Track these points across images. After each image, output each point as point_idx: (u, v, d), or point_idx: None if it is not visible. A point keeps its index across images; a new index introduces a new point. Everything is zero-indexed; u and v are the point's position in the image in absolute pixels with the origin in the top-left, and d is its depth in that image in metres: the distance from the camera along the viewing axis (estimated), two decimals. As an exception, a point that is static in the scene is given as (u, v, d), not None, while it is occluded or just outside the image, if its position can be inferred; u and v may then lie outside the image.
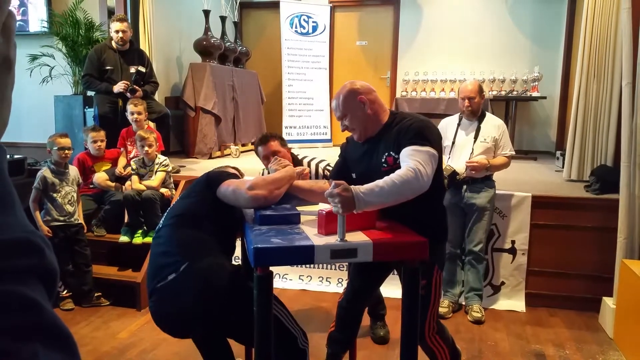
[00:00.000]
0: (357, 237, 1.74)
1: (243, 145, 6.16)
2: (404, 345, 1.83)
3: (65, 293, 3.48)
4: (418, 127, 1.95)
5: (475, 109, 3.33)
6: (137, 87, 4.29)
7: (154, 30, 5.15)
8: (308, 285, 3.88)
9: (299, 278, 3.93)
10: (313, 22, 6.76)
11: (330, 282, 3.88)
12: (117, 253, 3.82)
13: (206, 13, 5.70)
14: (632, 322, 2.85)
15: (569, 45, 6.29)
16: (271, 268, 1.68)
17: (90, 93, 4.71)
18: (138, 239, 3.65)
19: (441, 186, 2.14)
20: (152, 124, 4.40)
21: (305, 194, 2.16)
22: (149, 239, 3.65)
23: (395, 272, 2.65)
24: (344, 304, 2.32)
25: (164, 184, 3.79)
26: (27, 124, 5.21)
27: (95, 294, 3.54)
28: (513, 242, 3.62)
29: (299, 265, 3.87)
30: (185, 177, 4.15)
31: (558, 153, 5.11)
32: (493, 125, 3.38)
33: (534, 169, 5.10)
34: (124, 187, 3.86)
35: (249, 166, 4.09)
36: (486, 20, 6.59)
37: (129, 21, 4.61)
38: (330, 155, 2.94)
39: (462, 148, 3.36)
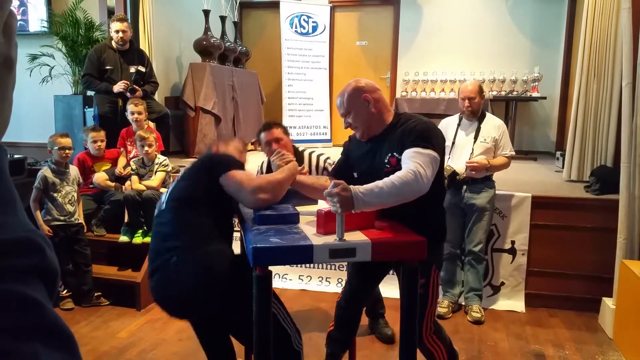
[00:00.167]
0: (355, 237, 1.74)
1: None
2: (403, 345, 1.83)
3: (65, 293, 3.49)
4: (422, 129, 1.95)
5: (475, 109, 3.33)
6: (137, 87, 4.29)
7: (154, 30, 5.15)
8: (307, 285, 3.89)
9: (299, 278, 3.93)
10: (313, 22, 6.76)
11: (329, 282, 3.88)
12: (117, 253, 3.82)
13: (206, 13, 5.69)
14: (632, 322, 2.85)
15: (569, 45, 6.29)
16: (270, 268, 1.68)
17: (90, 93, 4.71)
18: (138, 239, 3.65)
19: (442, 187, 2.14)
20: (152, 124, 4.40)
21: (307, 190, 2.15)
22: (149, 239, 3.65)
23: (394, 272, 2.65)
24: (343, 304, 2.32)
25: (164, 184, 3.79)
26: (27, 124, 5.21)
27: (95, 294, 3.54)
28: (513, 242, 3.62)
29: (299, 265, 3.87)
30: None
31: (558, 153, 5.11)
32: (493, 125, 3.38)
33: (534, 169, 5.10)
34: (123, 187, 3.86)
35: (249, 166, 4.07)
36: (486, 21, 6.59)
37: (129, 21, 4.61)
38: (331, 154, 2.95)
39: (462, 148, 3.36)
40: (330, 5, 6.98)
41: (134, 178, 3.72)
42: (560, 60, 6.41)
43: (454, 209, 3.31)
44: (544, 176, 4.58)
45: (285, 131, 2.79)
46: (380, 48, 7.11)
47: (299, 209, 2.05)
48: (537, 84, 6.15)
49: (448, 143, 3.36)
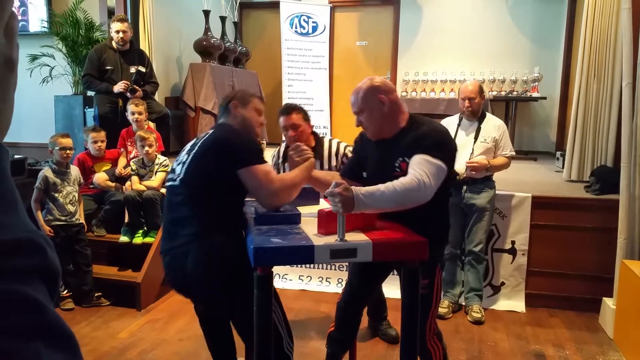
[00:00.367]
0: (356, 237, 1.75)
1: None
2: (404, 346, 1.83)
3: (66, 293, 3.49)
4: (435, 137, 1.92)
5: (475, 110, 3.33)
6: (137, 87, 4.29)
7: (154, 30, 5.15)
8: (308, 286, 3.89)
9: (299, 278, 3.93)
10: (313, 22, 6.76)
11: (330, 283, 3.88)
12: (117, 253, 3.82)
13: (206, 13, 5.69)
14: (632, 322, 2.84)
15: (569, 45, 6.29)
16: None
17: (90, 93, 4.71)
18: (138, 239, 3.65)
19: (447, 192, 2.12)
20: (152, 124, 4.40)
21: (320, 186, 2.14)
22: (149, 239, 3.66)
23: (396, 273, 2.65)
24: (342, 305, 2.32)
25: (164, 184, 3.79)
26: (27, 124, 5.20)
27: (96, 294, 3.54)
28: (513, 242, 3.62)
29: (299, 265, 3.87)
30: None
31: (558, 153, 5.11)
32: (493, 125, 3.38)
33: (534, 169, 5.10)
34: (124, 187, 3.87)
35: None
36: (486, 21, 6.59)
37: (129, 21, 4.61)
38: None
39: (462, 148, 3.35)
40: (330, 5, 6.98)
41: (134, 178, 3.72)
42: (560, 61, 6.41)
43: (454, 209, 3.30)
44: (544, 176, 4.58)
45: (305, 117, 2.72)
46: (380, 48, 7.11)
47: (300, 209, 2.05)
48: (537, 84, 6.15)
49: (448, 143, 3.36)
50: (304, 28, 6.71)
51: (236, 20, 6.93)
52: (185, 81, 5.41)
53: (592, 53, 3.93)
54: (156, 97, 4.78)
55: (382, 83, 2.05)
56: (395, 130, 2.02)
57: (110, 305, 3.54)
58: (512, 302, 3.59)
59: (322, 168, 2.77)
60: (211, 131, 2.11)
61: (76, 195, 3.59)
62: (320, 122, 6.77)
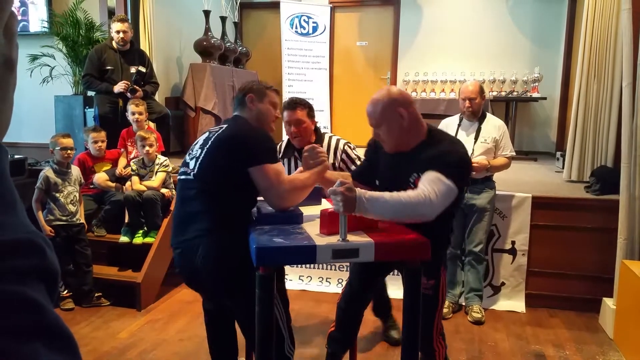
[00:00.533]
0: (358, 237, 1.74)
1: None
2: (405, 346, 1.82)
3: (66, 293, 3.49)
4: (454, 158, 1.85)
5: (476, 110, 3.33)
6: (137, 87, 4.29)
7: (154, 30, 5.15)
8: (308, 286, 3.88)
9: (299, 278, 3.93)
10: (313, 22, 6.76)
11: (330, 283, 3.88)
12: (118, 253, 3.82)
13: (206, 13, 5.70)
14: (633, 322, 2.84)
15: (569, 45, 6.29)
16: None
17: (90, 93, 4.71)
18: (138, 239, 3.65)
19: (453, 210, 2.04)
20: (152, 125, 4.40)
21: (330, 187, 2.13)
22: (149, 239, 3.66)
23: (397, 273, 2.65)
24: (343, 305, 2.32)
25: (164, 184, 3.79)
26: (27, 124, 5.21)
27: (96, 294, 3.54)
28: (513, 242, 3.62)
29: (299, 265, 3.87)
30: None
31: (558, 154, 5.11)
32: (493, 126, 3.37)
33: (534, 169, 5.10)
34: (124, 187, 3.86)
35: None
36: (486, 21, 6.59)
37: (130, 21, 4.61)
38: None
39: (462, 148, 3.35)
40: (331, 5, 6.98)
41: (135, 179, 3.72)
42: (560, 61, 6.41)
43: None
44: (544, 176, 4.58)
45: (310, 113, 2.65)
46: (381, 48, 7.11)
47: (302, 209, 2.05)
48: (537, 84, 6.15)
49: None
50: (304, 28, 6.71)
51: (236, 20, 6.94)
52: (186, 81, 5.41)
53: (592, 53, 3.93)
54: (156, 97, 4.78)
55: (400, 95, 1.96)
56: (413, 144, 1.96)
57: (111, 305, 3.54)
58: (512, 302, 3.59)
59: None
60: (225, 125, 2.09)
61: (77, 195, 3.59)
62: (320, 122, 6.76)
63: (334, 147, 2.81)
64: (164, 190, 3.75)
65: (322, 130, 2.97)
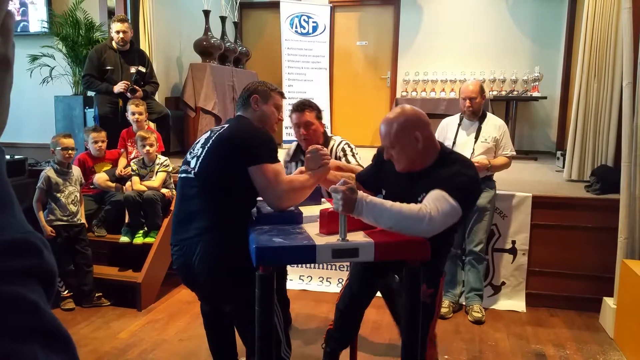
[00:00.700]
0: (358, 237, 1.74)
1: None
2: (405, 346, 1.82)
3: (66, 293, 3.49)
4: (463, 180, 1.83)
5: (476, 109, 3.33)
6: (137, 87, 4.29)
7: (154, 30, 5.15)
8: (308, 286, 3.88)
9: (299, 278, 3.93)
10: (313, 22, 6.76)
11: (330, 283, 3.88)
12: (118, 253, 3.82)
13: (206, 13, 5.69)
14: (633, 322, 2.84)
15: (569, 45, 6.29)
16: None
17: (90, 93, 4.71)
18: (139, 240, 3.65)
19: (453, 231, 2.01)
20: (152, 125, 4.40)
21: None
22: (149, 239, 3.66)
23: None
24: (342, 308, 2.30)
25: (164, 184, 3.79)
26: (27, 125, 5.21)
27: (96, 294, 3.54)
28: (513, 242, 3.61)
29: (299, 265, 3.87)
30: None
31: (558, 153, 5.10)
32: (494, 125, 3.37)
33: (534, 169, 5.10)
34: (124, 187, 3.86)
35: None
36: (486, 21, 6.59)
37: (129, 21, 4.61)
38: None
39: (462, 148, 3.35)
40: (330, 5, 6.98)
41: (135, 179, 3.72)
42: (560, 60, 6.41)
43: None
44: (545, 176, 4.58)
45: (318, 115, 2.64)
46: (381, 48, 7.10)
47: (302, 209, 2.05)
48: (537, 83, 6.15)
49: (449, 143, 3.36)
50: (304, 28, 6.71)
51: (236, 20, 6.93)
52: (186, 81, 5.41)
53: (592, 53, 3.93)
54: (156, 97, 4.77)
55: (415, 116, 1.92)
56: (425, 165, 1.94)
57: (111, 305, 3.54)
58: (512, 302, 3.59)
59: None
60: (227, 125, 2.09)
61: (78, 195, 3.59)
62: (320, 122, 6.77)
63: (335, 148, 2.82)
64: (164, 191, 3.75)
65: (329, 134, 2.97)
